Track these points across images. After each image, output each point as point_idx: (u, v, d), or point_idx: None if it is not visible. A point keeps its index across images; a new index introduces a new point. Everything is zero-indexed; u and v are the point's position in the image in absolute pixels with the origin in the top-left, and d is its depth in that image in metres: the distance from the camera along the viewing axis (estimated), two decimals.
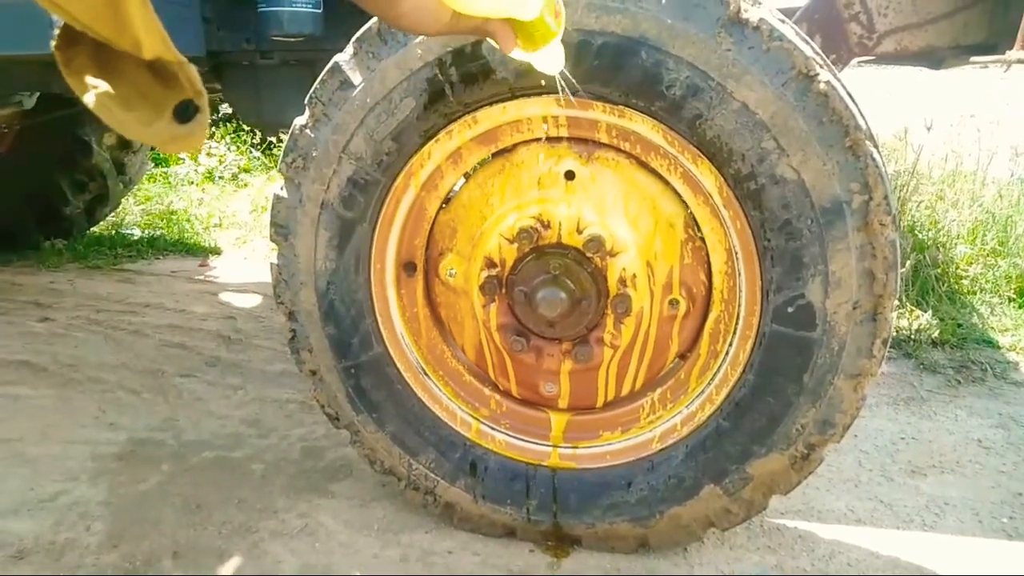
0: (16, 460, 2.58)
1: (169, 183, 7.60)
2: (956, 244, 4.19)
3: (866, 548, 2.11)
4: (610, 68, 1.70)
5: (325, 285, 2.03)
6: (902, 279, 3.72)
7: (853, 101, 1.68)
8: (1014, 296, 3.95)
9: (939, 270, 3.91)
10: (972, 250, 4.19)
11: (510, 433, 2.13)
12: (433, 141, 1.90)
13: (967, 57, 2.35)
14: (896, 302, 1.73)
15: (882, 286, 1.68)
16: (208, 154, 8.21)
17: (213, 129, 8.71)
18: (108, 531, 2.19)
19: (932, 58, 2.47)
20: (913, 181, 4.37)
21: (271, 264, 2.08)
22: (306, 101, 1.92)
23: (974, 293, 3.95)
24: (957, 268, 4.03)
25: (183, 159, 8.16)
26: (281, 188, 2.00)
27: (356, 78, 1.85)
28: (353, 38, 1.85)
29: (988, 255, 4.17)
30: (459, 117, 1.86)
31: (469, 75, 1.77)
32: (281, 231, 2.02)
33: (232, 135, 8.70)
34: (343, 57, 1.87)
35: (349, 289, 2.03)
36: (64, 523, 2.23)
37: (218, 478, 2.47)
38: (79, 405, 2.99)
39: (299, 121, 1.94)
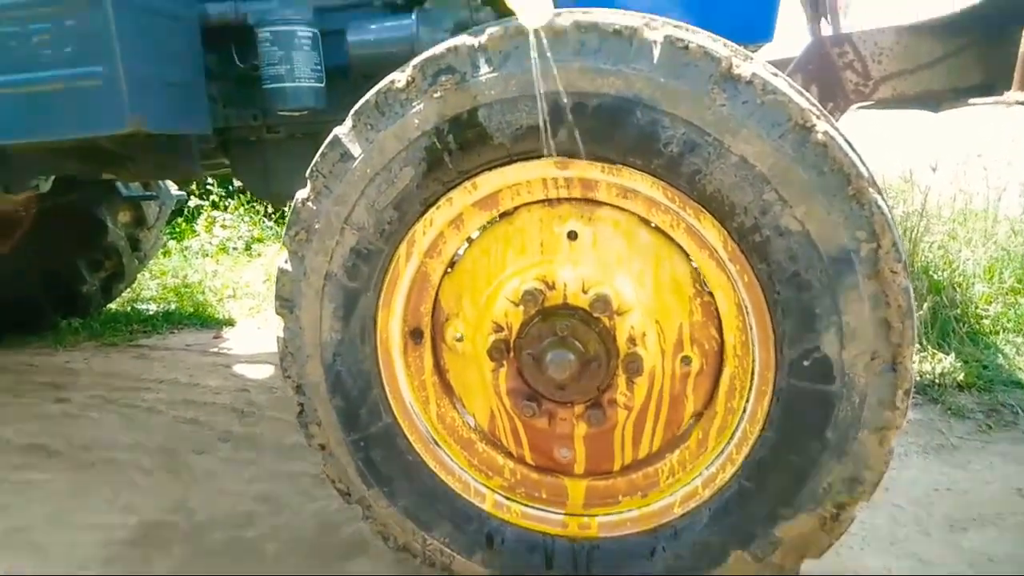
0: (26, 549, 2.53)
1: (184, 256, 7.72)
2: (973, 283, 4.11)
3: None
4: (606, 128, 1.70)
5: (331, 356, 2.00)
6: (920, 324, 3.64)
7: (853, 149, 1.67)
8: None
9: (958, 310, 3.82)
10: (990, 289, 4.10)
11: (526, 503, 2.06)
12: (434, 208, 1.90)
13: (965, 99, 2.35)
14: (915, 350, 1.68)
15: (899, 335, 1.63)
16: (222, 226, 8.36)
17: (227, 201, 8.90)
18: None
19: (930, 101, 2.47)
20: (923, 222, 4.33)
21: (277, 337, 2.06)
22: (307, 174, 1.93)
23: (996, 333, 3.85)
24: (976, 308, 3.95)
25: (198, 232, 8.32)
26: (285, 261, 2.00)
27: (356, 150, 1.87)
28: (351, 111, 1.88)
29: (1007, 293, 4.09)
30: (459, 183, 1.86)
31: (466, 142, 1.79)
32: (286, 304, 2.01)
33: (246, 206, 8.86)
34: (342, 130, 1.90)
35: (355, 360, 2.00)
36: None
37: (231, 561, 2.40)
38: (92, 489, 2.95)
39: (301, 194, 1.96)
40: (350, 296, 1.96)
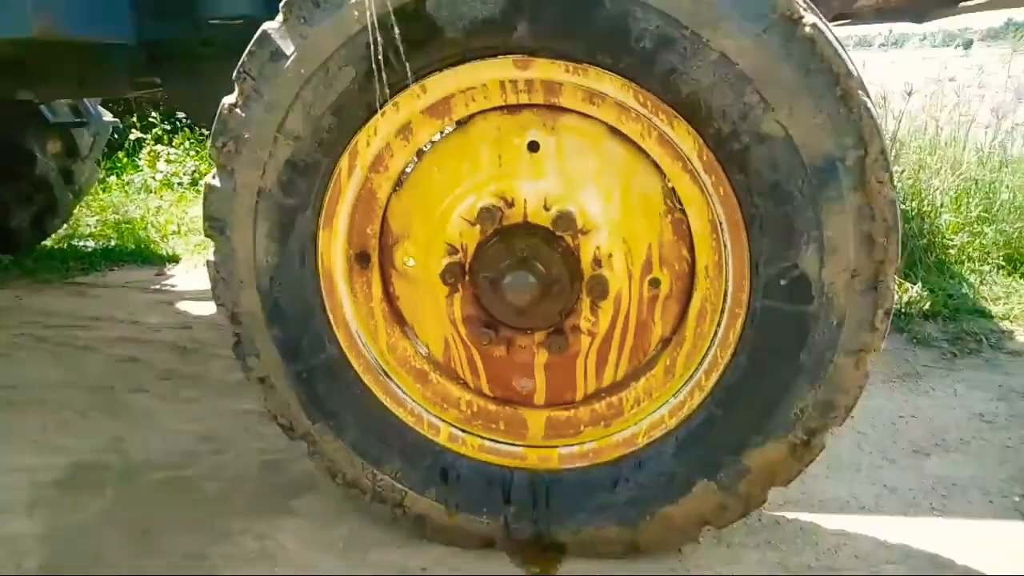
0: None
1: (125, 192, 7.31)
2: (940, 213, 4.08)
3: (873, 537, 1.96)
4: (572, 20, 1.51)
5: (268, 282, 1.82)
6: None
7: (842, 46, 1.51)
8: (1003, 264, 3.85)
9: (925, 240, 3.79)
10: (957, 219, 4.07)
11: (483, 435, 1.94)
12: (378, 115, 1.70)
13: (954, 4, 2.20)
14: (898, 268, 1.57)
15: (883, 251, 1.52)
16: (167, 160, 7.92)
17: (172, 136, 8.43)
18: (41, 567, 1.97)
19: (916, 10, 2.32)
20: (896, 148, 4.25)
21: (207, 262, 1.87)
22: (234, 76, 1.72)
23: (962, 262, 3.84)
24: (943, 238, 3.92)
25: (140, 167, 7.87)
26: (213, 176, 1.79)
27: (288, 47, 1.66)
28: (282, 2, 1.66)
29: (973, 223, 4.06)
30: (406, 86, 1.66)
31: (414, 37, 1.58)
32: (216, 224, 1.82)
33: (191, 140, 8.41)
34: (272, 25, 1.68)
35: (295, 285, 1.83)
36: None
37: (168, 501, 2.25)
38: (17, 430, 2.74)
39: (228, 100, 1.74)
40: (287, 215, 1.77)
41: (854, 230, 1.51)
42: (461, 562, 1.92)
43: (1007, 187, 4.32)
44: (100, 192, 7.03)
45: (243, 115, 1.71)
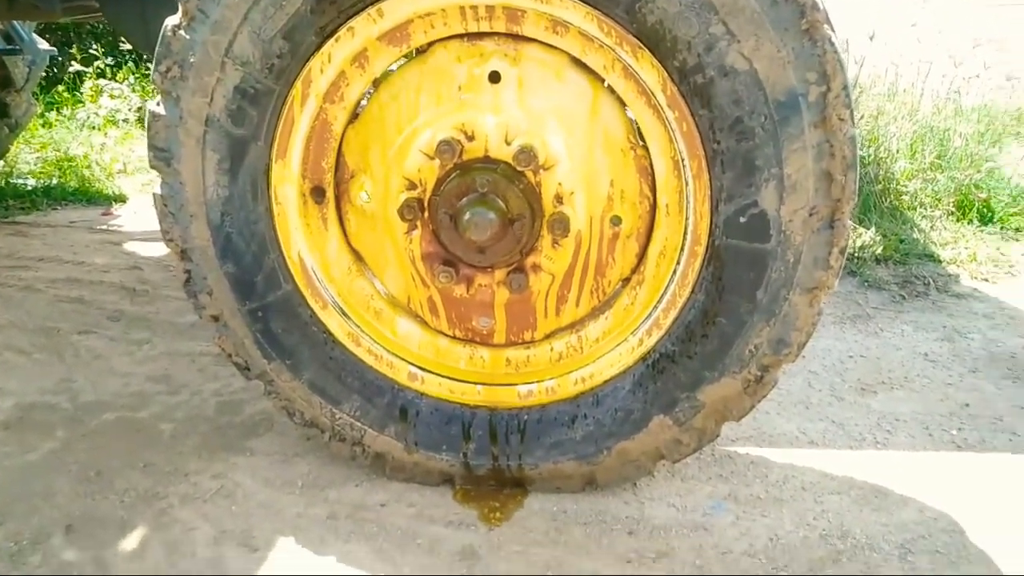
0: None
1: (67, 128, 6.95)
2: (896, 159, 4.14)
3: (819, 470, 2.03)
4: None
5: (219, 216, 1.76)
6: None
7: None
8: (952, 210, 3.95)
9: (880, 186, 3.85)
10: (912, 165, 4.14)
11: (443, 374, 1.94)
12: (332, 40, 1.62)
13: None
14: (855, 206, 1.59)
15: (840, 188, 1.52)
16: (111, 96, 7.54)
17: (115, 70, 8.01)
18: None
19: None
20: (856, 93, 4.27)
21: (154, 195, 1.79)
22: None
23: (914, 208, 3.93)
24: (897, 184, 3.99)
25: (83, 101, 7.48)
26: (157, 104, 1.70)
27: None
28: None
29: (927, 170, 4.14)
30: (361, 9, 1.58)
31: None
32: (162, 155, 1.73)
33: (136, 75, 8.00)
34: None
35: (247, 220, 1.77)
36: None
37: (120, 442, 2.21)
38: None
39: (171, 21, 1.63)
40: (236, 145, 1.70)
41: (814, 167, 1.51)
42: (420, 498, 1.94)
43: (960, 135, 4.40)
44: (40, 128, 6.68)
45: (188, 37, 1.62)
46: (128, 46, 7.43)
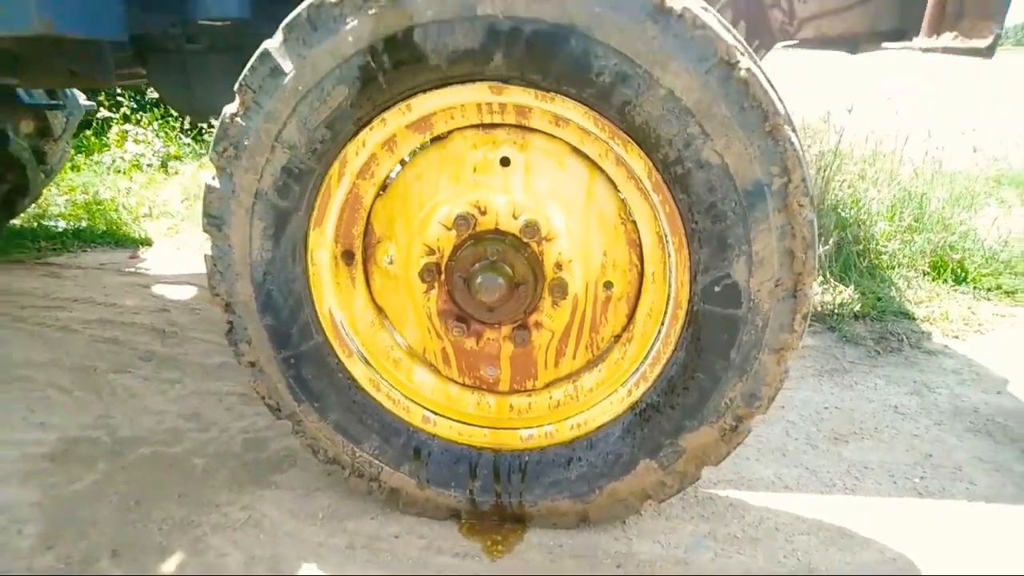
0: None
1: (95, 172, 7.29)
2: (876, 221, 4.41)
3: (792, 512, 2.23)
4: (541, 55, 1.73)
5: (262, 275, 2.01)
6: (825, 258, 3.89)
7: (772, 87, 1.75)
8: (928, 270, 4.19)
9: (860, 246, 4.11)
10: (891, 227, 4.41)
11: (453, 418, 2.16)
12: (367, 128, 1.89)
13: (880, 42, 2.48)
14: (815, 279, 1.83)
15: (801, 264, 1.77)
16: (135, 140, 7.90)
17: (140, 114, 8.40)
18: (41, 533, 2.13)
19: (849, 44, 2.59)
20: (836, 161, 4.57)
21: (205, 256, 2.04)
22: (236, 88, 1.88)
23: (892, 267, 4.17)
24: (877, 244, 4.25)
25: (109, 145, 7.84)
26: (213, 178, 1.96)
27: (287, 65, 1.83)
28: (282, 24, 1.83)
29: (905, 231, 4.41)
30: (393, 104, 1.86)
31: (401, 62, 1.78)
32: (214, 222, 1.99)
33: (160, 120, 8.39)
34: (273, 44, 1.84)
35: (286, 279, 2.01)
36: None
37: (157, 474, 2.43)
38: (5, 406, 2.87)
39: (229, 109, 1.91)
40: (281, 215, 1.95)
41: (778, 245, 1.76)
42: (430, 530, 2.15)
43: (937, 199, 4.68)
44: (69, 170, 7.01)
45: (243, 124, 1.89)
46: (154, 94, 7.81)
